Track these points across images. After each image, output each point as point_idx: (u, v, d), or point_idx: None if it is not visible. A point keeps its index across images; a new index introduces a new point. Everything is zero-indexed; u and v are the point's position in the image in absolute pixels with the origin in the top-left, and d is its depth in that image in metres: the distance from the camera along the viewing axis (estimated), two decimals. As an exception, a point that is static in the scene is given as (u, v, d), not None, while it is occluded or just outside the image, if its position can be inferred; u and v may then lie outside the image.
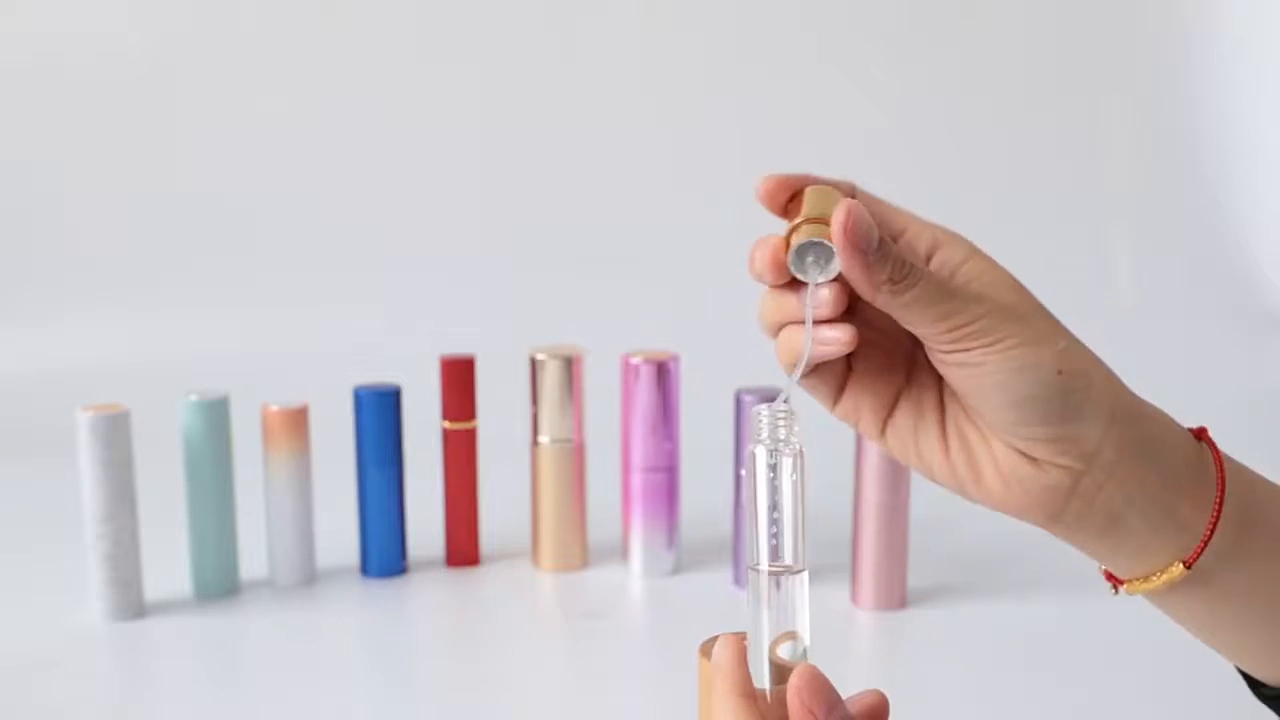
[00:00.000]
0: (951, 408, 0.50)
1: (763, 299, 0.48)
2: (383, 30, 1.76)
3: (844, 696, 0.44)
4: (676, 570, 1.05)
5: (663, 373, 1.01)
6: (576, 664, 0.92)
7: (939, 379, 0.49)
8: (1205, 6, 1.87)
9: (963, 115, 1.81)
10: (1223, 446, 0.51)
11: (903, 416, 0.50)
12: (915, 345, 0.50)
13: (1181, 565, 0.48)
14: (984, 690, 0.85)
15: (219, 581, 1.00)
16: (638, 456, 1.02)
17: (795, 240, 0.46)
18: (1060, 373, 0.46)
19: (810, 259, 0.46)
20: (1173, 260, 1.81)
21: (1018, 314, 0.47)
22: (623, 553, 1.06)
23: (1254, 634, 0.51)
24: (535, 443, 1.04)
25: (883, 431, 0.50)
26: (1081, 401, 0.46)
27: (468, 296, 1.69)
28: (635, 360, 1.01)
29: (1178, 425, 0.50)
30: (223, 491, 0.99)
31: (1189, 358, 1.65)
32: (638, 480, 1.03)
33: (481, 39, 1.77)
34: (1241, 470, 0.51)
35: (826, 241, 0.45)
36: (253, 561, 1.02)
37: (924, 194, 1.86)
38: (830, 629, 0.95)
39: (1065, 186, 1.83)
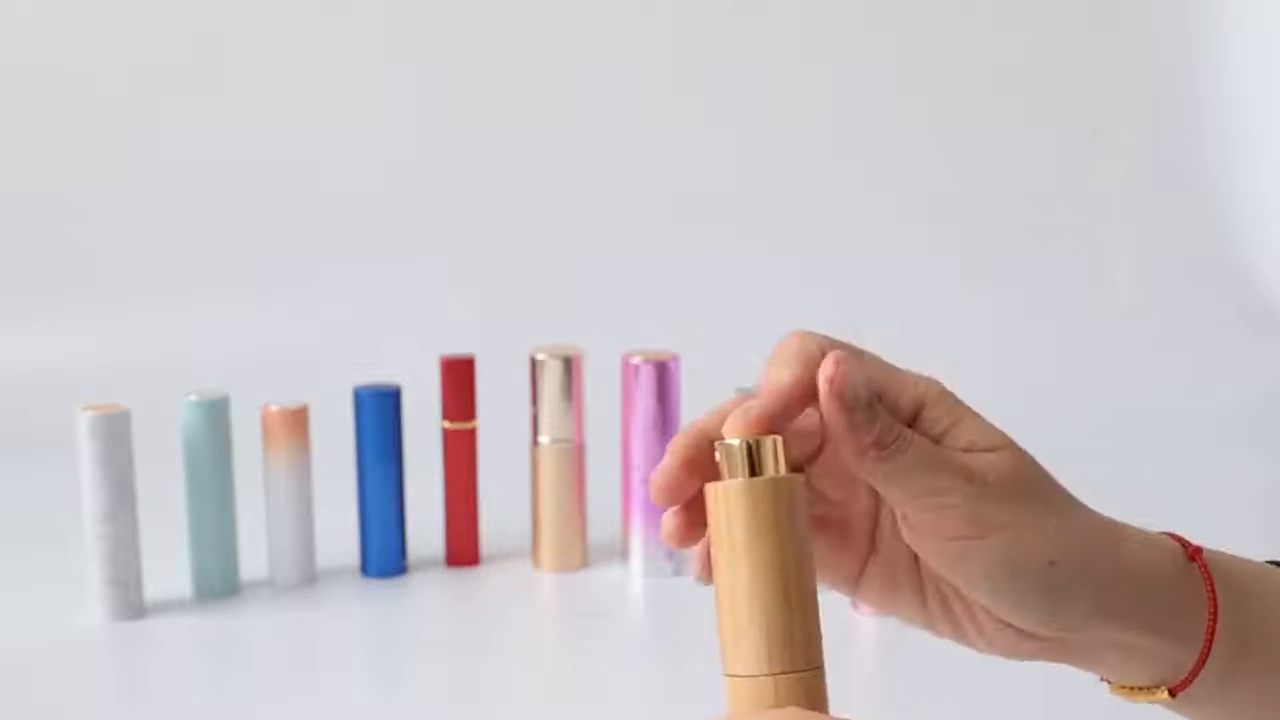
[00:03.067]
0: (929, 573, 0.46)
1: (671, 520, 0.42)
2: (383, 30, 1.76)
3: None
4: (677, 570, 1.05)
5: (663, 373, 1.01)
6: (576, 664, 0.92)
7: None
8: (1207, 5, 1.87)
9: (963, 114, 1.81)
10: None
11: (873, 579, 0.46)
12: (878, 515, 0.46)
13: (1167, 693, 0.46)
14: (985, 692, 0.85)
15: (219, 581, 0.99)
16: (638, 456, 1.02)
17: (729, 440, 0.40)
18: (1053, 563, 0.42)
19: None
20: (1173, 260, 1.80)
21: (1011, 495, 0.42)
22: (623, 553, 1.06)
23: None
24: (535, 443, 1.04)
25: (855, 590, 0.47)
26: (1072, 588, 0.43)
27: (468, 296, 1.69)
28: (635, 360, 1.01)
29: (1166, 551, 0.46)
30: (223, 491, 0.99)
31: (1189, 358, 1.64)
32: (638, 480, 1.03)
33: (481, 38, 1.77)
34: (1238, 584, 0.47)
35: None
36: (253, 562, 1.02)
37: (925, 192, 1.85)
38: (830, 634, 0.94)
39: (1065, 186, 1.82)
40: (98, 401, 0.94)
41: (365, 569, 1.04)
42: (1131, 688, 0.48)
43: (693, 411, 1.07)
